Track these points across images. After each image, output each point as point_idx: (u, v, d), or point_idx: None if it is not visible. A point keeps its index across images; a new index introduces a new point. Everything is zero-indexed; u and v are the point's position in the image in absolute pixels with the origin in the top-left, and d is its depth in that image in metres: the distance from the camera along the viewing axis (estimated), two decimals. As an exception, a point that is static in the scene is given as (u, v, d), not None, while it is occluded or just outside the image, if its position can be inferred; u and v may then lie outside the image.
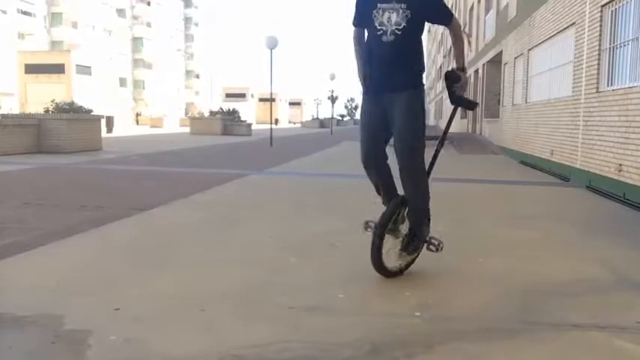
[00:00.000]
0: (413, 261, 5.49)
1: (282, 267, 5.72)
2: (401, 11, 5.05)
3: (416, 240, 5.27)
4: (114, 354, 3.61)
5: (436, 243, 5.23)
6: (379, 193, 5.50)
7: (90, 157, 19.24)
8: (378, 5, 5.11)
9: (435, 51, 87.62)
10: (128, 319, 4.15)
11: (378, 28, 5.11)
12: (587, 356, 3.71)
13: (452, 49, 5.49)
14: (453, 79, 5.26)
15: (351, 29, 5.53)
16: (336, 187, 12.46)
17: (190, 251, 6.35)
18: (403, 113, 5.10)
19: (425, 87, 5.65)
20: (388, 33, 5.08)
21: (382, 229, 5.12)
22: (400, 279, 5.33)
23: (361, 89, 5.49)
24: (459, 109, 5.74)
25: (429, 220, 5.42)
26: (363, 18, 5.32)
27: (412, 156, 5.11)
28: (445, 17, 5.33)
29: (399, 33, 5.06)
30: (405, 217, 5.34)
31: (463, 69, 5.30)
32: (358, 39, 5.50)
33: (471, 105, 5.75)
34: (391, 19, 5.07)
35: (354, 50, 5.56)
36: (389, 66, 5.17)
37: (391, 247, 5.32)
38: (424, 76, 5.51)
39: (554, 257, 6.31)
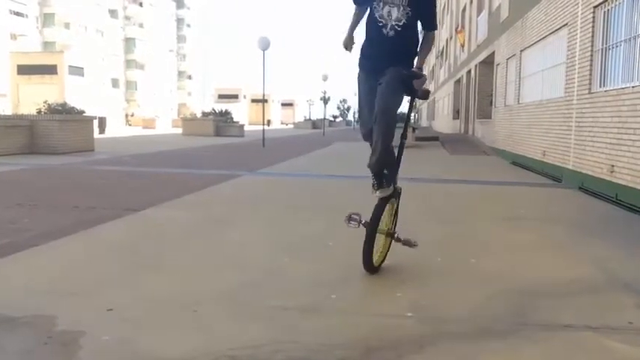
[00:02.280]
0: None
1: (275, 268, 5.73)
2: (402, 8, 5.35)
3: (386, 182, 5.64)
4: (106, 355, 3.61)
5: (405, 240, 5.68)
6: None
7: (82, 158, 19.20)
8: None
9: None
10: (121, 320, 4.15)
11: (378, 20, 5.42)
12: (579, 357, 3.72)
13: (420, 50, 5.69)
14: (414, 76, 5.50)
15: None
16: (328, 188, 12.46)
17: (183, 252, 6.35)
18: (387, 80, 5.38)
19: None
20: (388, 27, 5.40)
21: (372, 231, 5.34)
22: (392, 280, 5.35)
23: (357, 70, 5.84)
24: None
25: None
26: (363, 3, 5.61)
27: (389, 116, 5.42)
28: (433, 25, 5.68)
29: (399, 29, 5.38)
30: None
31: (421, 67, 5.63)
32: (356, 14, 5.81)
33: (425, 95, 5.90)
34: (391, 14, 5.38)
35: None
36: (387, 55, 5.48)
37: (380, 247, 5.64)
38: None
39: (547, 258, 6.33)
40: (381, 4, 5.40)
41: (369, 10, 5.56)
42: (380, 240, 5.62)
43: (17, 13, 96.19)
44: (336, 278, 5.38)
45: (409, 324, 4.19)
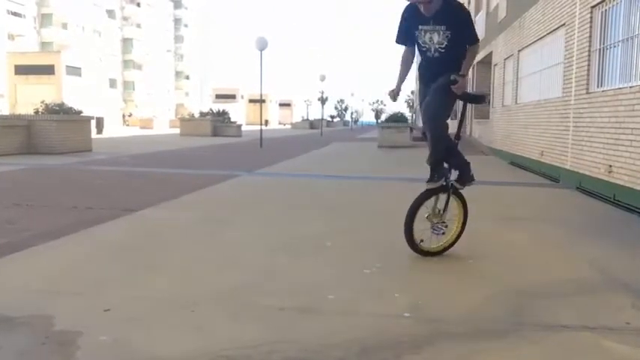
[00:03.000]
0: (452, 244, 6.42)
1: (273, 268, 5.73)
2: (442, 32, 5.93)
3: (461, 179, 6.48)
4: (104, 355, 3.61)
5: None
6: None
7: (80, 158, 19.20)
8: (420, 27, 5.98)
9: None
10: (118, 320, 4.15)
11: (422, 45, 6.09)
12: (577, 357, 3.72)
13: (464, 60, 6.13)
14: (453, 82, 5.88)
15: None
16: (326, 188, 12.45)
17: (180, 252, 6.34)
18: (434, 88, 6.09)
19: None
20: (432, 50, 6.05)
21: (412, 210, 6.07)
22: (390, 280, 5.35)
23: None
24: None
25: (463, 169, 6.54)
26: (406, 38, 6.26)
27: (434, 122, 6.13)
28: (473, 39, 6.10)
29: (443, 51, 6.00)
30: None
31: (464, 75, 5.98)
32: (403, 57, 6.47)
33: (477, 99, 6.93)
34: (433, 39, 5.99)
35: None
36: (434, 74, 6.15)
37: (425, 228, 6.23)
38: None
39: (544, 258, 6.33)
40: (422, 32, 5.98)
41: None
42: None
43: (15, 14, 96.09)
44: (333, 278, 5.38)
45: (407, 324, 4.19)
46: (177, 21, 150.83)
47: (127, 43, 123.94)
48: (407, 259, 6.11)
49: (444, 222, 6.29)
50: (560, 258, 6.33)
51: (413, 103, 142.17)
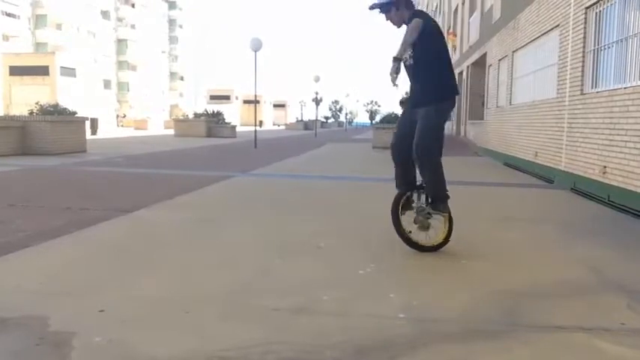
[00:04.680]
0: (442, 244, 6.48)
1: (267, 268, 5.73)
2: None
3: (431, 207, 6.41)
4: (99, 356, 3.61)
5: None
6: (396, 180, 6.67)
7: (74, 159, 19.19)
8: None
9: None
10: (113, 321, 4.14)
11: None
12: (572, 358, 3.72)
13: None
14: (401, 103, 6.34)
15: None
16: (320, 189, 12.46)
17: (175, 253, 6.34)
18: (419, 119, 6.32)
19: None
20: (406, 63, 6.37)
21: (395, 206, 6.49)
22: (384, 281, 5.35)
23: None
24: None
25: (445, 201, 6.42)
26: None
27: (427, 154, 6.27)
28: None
29: (412, 63, 6.37)
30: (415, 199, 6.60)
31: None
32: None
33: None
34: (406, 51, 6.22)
35: None
36: (411, 87, 6.62)
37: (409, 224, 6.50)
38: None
39: (539, 259, 6.34)
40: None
41: None
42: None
43: (9, 15, 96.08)
44: (327, 279, 5.38)
45: (401, 325, 4.19)
46: (171, 22, 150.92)
47: (121, 44, 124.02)
48: (401, 259, 6.13)
49: (428, 214, 6.44)
50: (554, 259, 6.33)
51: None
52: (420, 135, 6.21)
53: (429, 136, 6.24)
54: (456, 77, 35.96)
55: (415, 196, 6.55)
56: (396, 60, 5.92)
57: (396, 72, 5.93)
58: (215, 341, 3.80)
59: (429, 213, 6.40)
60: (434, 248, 6.44)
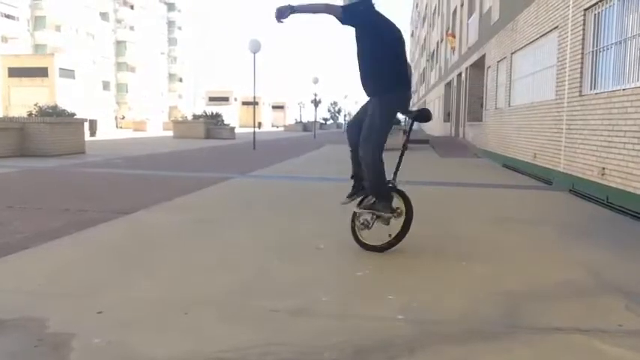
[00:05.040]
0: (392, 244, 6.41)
1: (266, 270, 5.73)
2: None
3: (373, 204, 6.46)
4: (97, 357, 3.61)
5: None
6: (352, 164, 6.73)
7: (73, 161, 19.18)
8: None
9: (418, 55, 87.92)
10: (111, 322, 4.14)
11: None
12: (570, 359, 3.72)
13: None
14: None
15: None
16: (318, 190, 12.45)
17: (173, 254, 6.33)
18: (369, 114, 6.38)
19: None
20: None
21: (352, 215, 6.68)
22: (383, 282, 5.35)
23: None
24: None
25: (383, 201, 6.39)
26: None
27: (364, 146, 6.31)
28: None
29: (358, 57, 6.51)
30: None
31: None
32: None
33: (422, 117, 6.66)
34: None
35: None
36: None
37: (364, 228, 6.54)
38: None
39: (537, 260, 6.34)
40: None
41: None
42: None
43: (8, 16, 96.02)
44: (326, 280, 5.39)
45: (400, 326, 4.19)
46: (170, 23, 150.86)
47: (120, 45, 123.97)
48: (399, 261, 6.12)
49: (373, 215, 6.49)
50: (553, 260, 6.34)
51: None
52: (364, 127, 6.33)
53: (370, 129, 6.28)
54: (455, 79, 36.02)
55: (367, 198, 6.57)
56: (289, 6, 6.04)
57: (284, 10, 6.03)
58: (214, 342, 3.80)
59: (373, 214, 6.45)
60: (382, 248, 6.40)
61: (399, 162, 6.50)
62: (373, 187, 6.38)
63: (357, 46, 6.41)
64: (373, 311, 4.51)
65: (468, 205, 10.52)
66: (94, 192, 11.46)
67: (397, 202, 6.42)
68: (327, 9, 6.04)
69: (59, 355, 3.59)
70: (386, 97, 6.29)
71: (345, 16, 6.15)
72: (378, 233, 6.44)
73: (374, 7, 6.42)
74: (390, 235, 6.35)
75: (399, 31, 6.47)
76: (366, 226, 6.45)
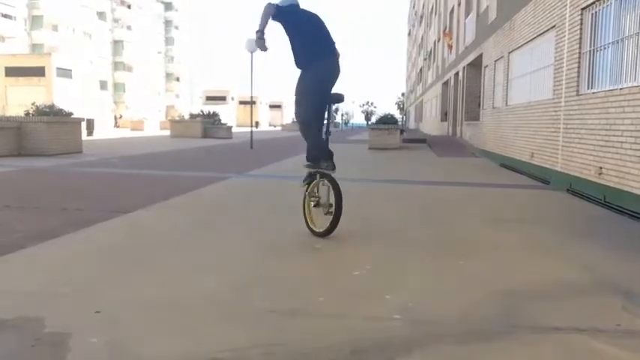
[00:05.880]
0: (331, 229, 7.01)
1: (263, 270, 5.72)
2: None
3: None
4: (95, 357, 3.60)
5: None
6: None
7: (71, 160, 19.15)
8: None
9: (415, 54, 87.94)
10: (109, 322, 4.13)
11: None
12: (568, 359, 3.72)
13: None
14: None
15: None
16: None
17: (170, 254, 6.32)
18: None
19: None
20: None
21: (303, 202, 7.81)
22: (380, 282, 5.35)
23: None
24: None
25: (312, 164, 8.03)
26: None
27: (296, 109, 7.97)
28: None
29: None
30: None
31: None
32: None
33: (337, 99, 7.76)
34: None
35: None
36: None
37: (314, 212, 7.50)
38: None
39: (535, 260, 6.34)
40: None
41: None
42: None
43: (5, 16, 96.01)
44: (323, 281, 5.39)
45: (397, 326, 4.19)
46: (167, 23, 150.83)
47: (117, 45, 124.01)
48: (396, 260, 6.12)
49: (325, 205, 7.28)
50: (550, 260, 6.33)
51: (403, 105, 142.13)
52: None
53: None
54: (452, 78, 36.05)
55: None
56: (257, 32, 7.08)
57: (259, 39, 7.12)
58: (211, 343, 3.80)
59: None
60: (323, 233, 7.07)
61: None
62: (308, 151, 8.09)
63: (289, 32, 7.57)
64: (370, 311, 4.50)
65: (466, 205, 10.52)
66: (91, 191, 11.45)
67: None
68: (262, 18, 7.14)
69: (56, 355, 3.58)
70: (303, 71, 7.58)
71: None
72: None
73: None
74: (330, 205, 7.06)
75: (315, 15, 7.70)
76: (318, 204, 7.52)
